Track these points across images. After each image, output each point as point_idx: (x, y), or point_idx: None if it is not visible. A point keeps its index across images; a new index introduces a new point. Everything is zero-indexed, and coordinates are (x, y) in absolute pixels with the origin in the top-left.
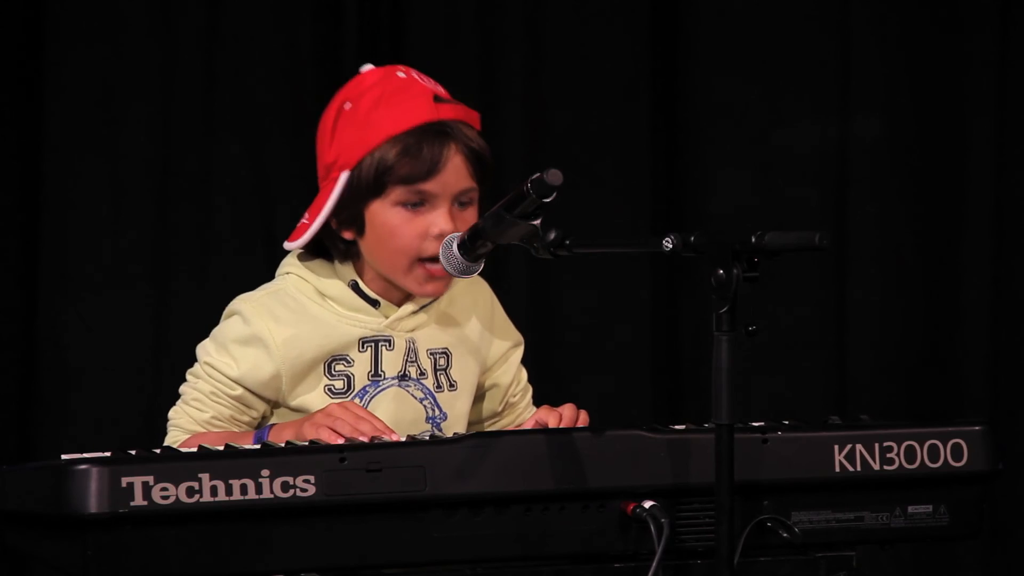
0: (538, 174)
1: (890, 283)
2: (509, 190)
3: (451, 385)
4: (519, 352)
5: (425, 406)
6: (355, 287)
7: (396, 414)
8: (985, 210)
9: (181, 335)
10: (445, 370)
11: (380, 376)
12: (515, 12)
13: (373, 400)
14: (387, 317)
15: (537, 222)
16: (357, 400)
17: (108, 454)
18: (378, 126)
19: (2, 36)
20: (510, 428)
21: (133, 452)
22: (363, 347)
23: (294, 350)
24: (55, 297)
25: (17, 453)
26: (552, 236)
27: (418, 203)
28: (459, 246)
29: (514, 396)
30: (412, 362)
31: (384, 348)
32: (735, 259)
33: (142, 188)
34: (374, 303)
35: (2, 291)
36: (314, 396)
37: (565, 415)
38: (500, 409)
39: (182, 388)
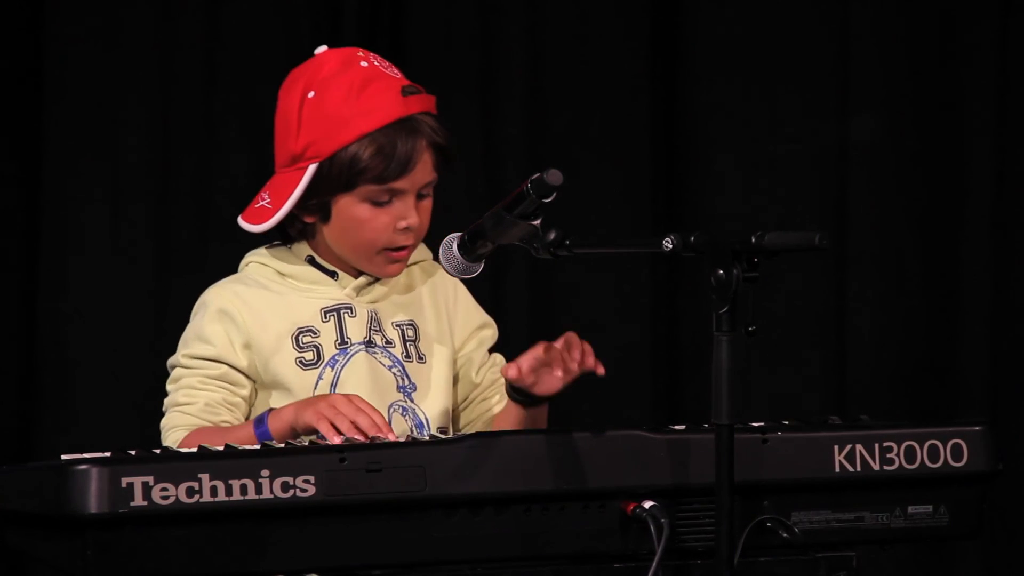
0: (538, 174)
1: (890, 283)
2: (509, 190)
3: (420, 357)
4: (488, 333)
5: (395, 374)
6: (311, 261)
7: (368, 382)
8: (985, 210)
9: (181, 334)
10: (414, 342)
11: (347, 343)
12: (515, 11)
13: (344, 370)
14: (345, 288)
15: (537, 222)
16: (328, 370)
17: (108, 454)
18: (350, 123)
19: (2, 36)
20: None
21: (133, 452)
22: (326, 317)
23: (258, 324)
24: (55, 297)
25: (17, 453)
26: (552, 236)
27: (387, 200)
28: (459, 247)
29: (493, 371)
30: (376, 331)
31: (346, 315)
32: (735, 259)
33: (142, 187)
34: (332, 274)
35: (2, 291)
36: (287, 369)
37: (571, 342)
38: (479, 381)
39: (166, 401)
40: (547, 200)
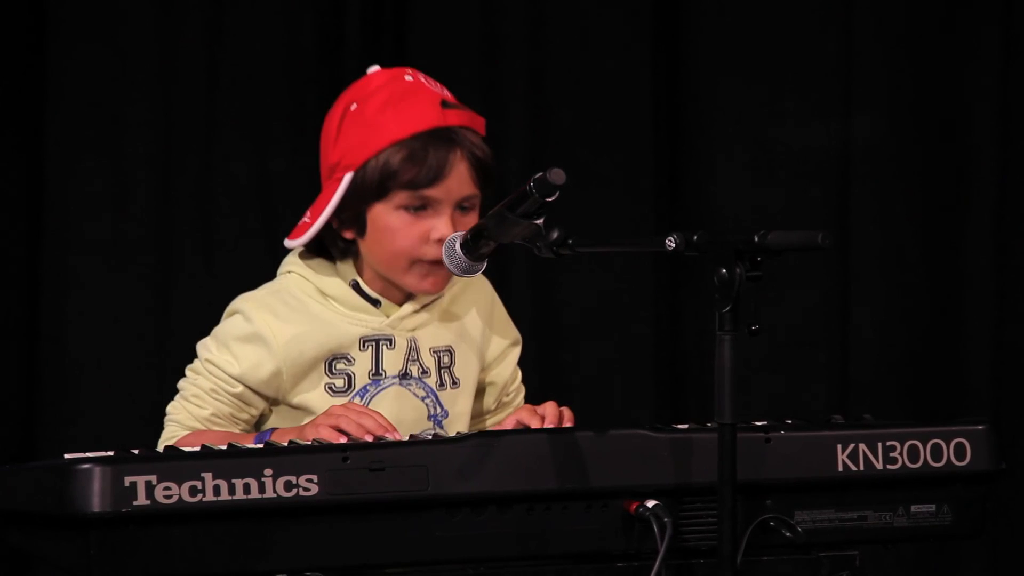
0: (541, 173)
1: (893, 282)
2: (512, 189)
3: (454, 383)
4: (517, 351)
5: (427, 404)
6: (356, 287)
7: (398, 413)
8: (987, 209)
9: (183, 334)
10: (449, 368)
11: (381, 375)
12: (518, 11)
13: (374, 399)
14: (388, 316)
15: (540, 221)
16: (358, 399)
17: (111, 453)
18: (384, 129)
19: (4, 35)
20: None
21: (136, 451)
22: (364, 346)
23: (295, 348)
24: (57, 296)
25: (20, 452)
26: (555, 235)
27: (420, 207)
28: (462, 245)
29: (507, 395)
30: (414, 361)
31: (385, 347)
32: (738, 258)
33: (144, 187)
34: (375, 302)
35: (4, 290)
36: (315, 394)
37: (548, 415)
38: (494, 407)
39: (181, 383)
40: (550, 199)
